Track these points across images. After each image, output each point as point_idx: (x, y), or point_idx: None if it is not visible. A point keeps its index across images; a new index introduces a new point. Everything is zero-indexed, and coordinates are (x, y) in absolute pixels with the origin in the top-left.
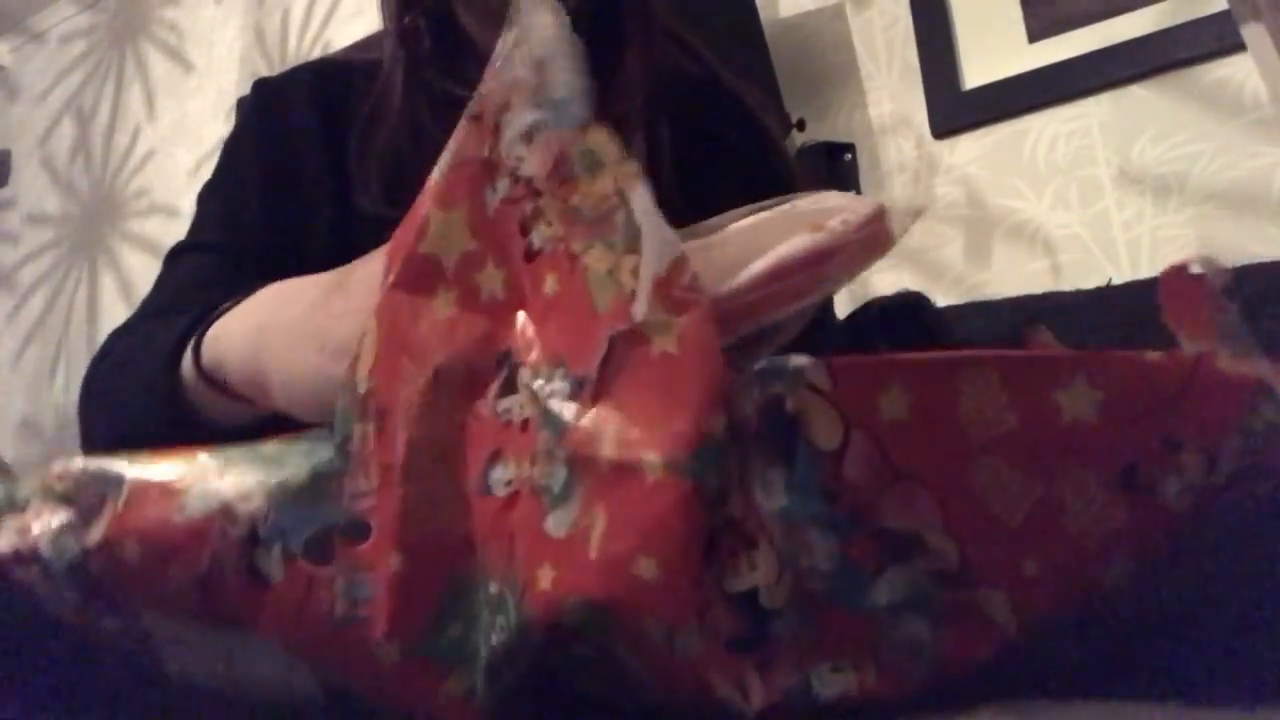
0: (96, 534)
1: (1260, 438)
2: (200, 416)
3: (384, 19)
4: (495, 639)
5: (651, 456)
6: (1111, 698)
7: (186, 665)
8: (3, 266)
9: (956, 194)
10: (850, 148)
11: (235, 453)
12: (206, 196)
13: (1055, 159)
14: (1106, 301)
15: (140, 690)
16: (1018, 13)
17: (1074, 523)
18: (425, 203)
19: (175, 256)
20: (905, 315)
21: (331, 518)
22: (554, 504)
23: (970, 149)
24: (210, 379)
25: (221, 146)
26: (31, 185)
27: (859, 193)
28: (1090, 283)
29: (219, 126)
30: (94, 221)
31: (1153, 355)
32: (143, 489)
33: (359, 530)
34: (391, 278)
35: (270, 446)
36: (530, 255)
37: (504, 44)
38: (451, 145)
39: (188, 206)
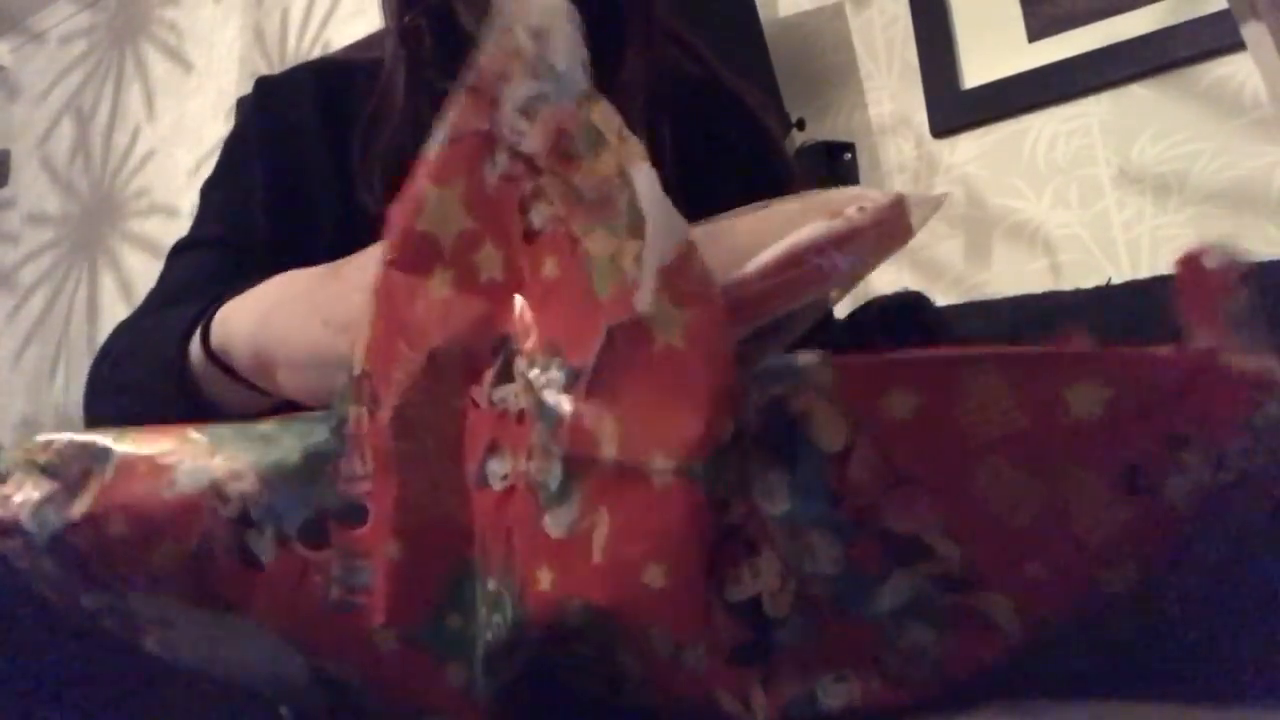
0: (81, 507)
1: (1266, 435)
2: (209, 403)
3: (385, 18)
4: (491, 635)
5: (659, 460)
6: (1111, 698)
7: (171, 645)
8: (3, 266)
9: (956, 194)
10: (850, 147)
11: (227, 431)
12: (208, 193)
13: (1055, 158)
14: (1106, 301)
15: (120, 668)
16: (1017, 12)
17: (1078, 524)
18: (422, 178)
19: (177, 253)
20: (905, 315)
21: (327, 501)
22: (551, 502)
23: (970, 148)
24: (218, 363)
25: (222, 145)
26: (31, 185)
27: None
28: (1090, 283)
29: (219, 126)
30: (94, 221)
31: (1160, 350)
32: (131, 463)
33: (355, 514)
34: (389, 256)
35: (264, 426)
36: (530, 235)
37: (500, 12)
38: (448, 117)
39: (188, 206)
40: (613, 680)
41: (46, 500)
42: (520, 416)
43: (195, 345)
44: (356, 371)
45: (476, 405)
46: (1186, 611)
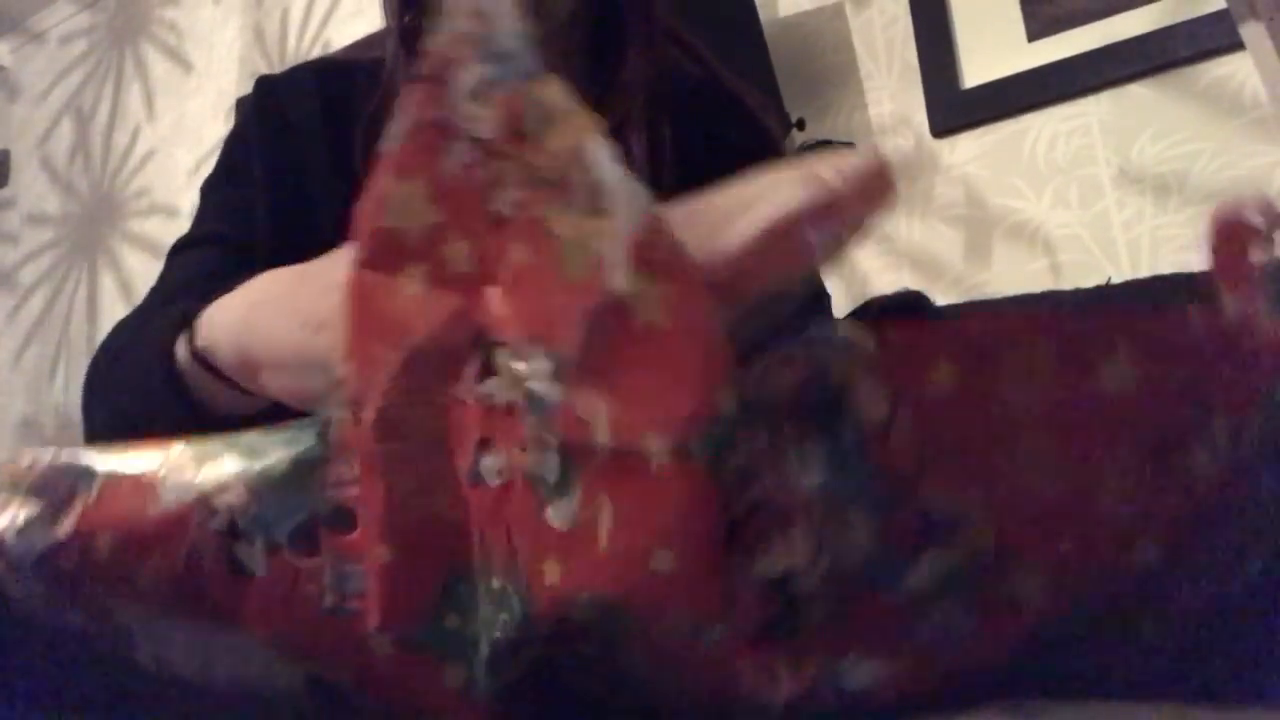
0: (66, 527)
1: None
2: (198, 404)
3: (385, 18)
4: (499, 633)
5: (654, 442)
6: (1112, 698)
7: (165, 660)
8: (3, 266)
9: (956, 193)
10: (850, 147)
11: (212, 443)
12: (208, 192)
13: (1055, 158)
14: (1106, 301)
15: (111, 685)
16: (1017, 12)
17: (1107, 499)
18: (384, 174)
19: (177, 252)
20: (905, 315)
21: (316, 507)
22: (551, 494)
23: (970, 148)
24: (205, 364)
25: (222, 145)
26: (31, 185)
27: None
28: (1090, 282)
29: (219, 126)
30: (94, 221)
31: (1193, 318)
32: (115, 481)
33: (345, 519)
34: (358, 257)
35: (249, 436)
36: (496, 223)
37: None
38: (404, 109)
39: (188, 206)
40: (613, 680)
41: (32, 521)
42: (509, 409)
43: (182, 346)
44: (337, 375)
45: (461, 402)
46: (1186, 611)
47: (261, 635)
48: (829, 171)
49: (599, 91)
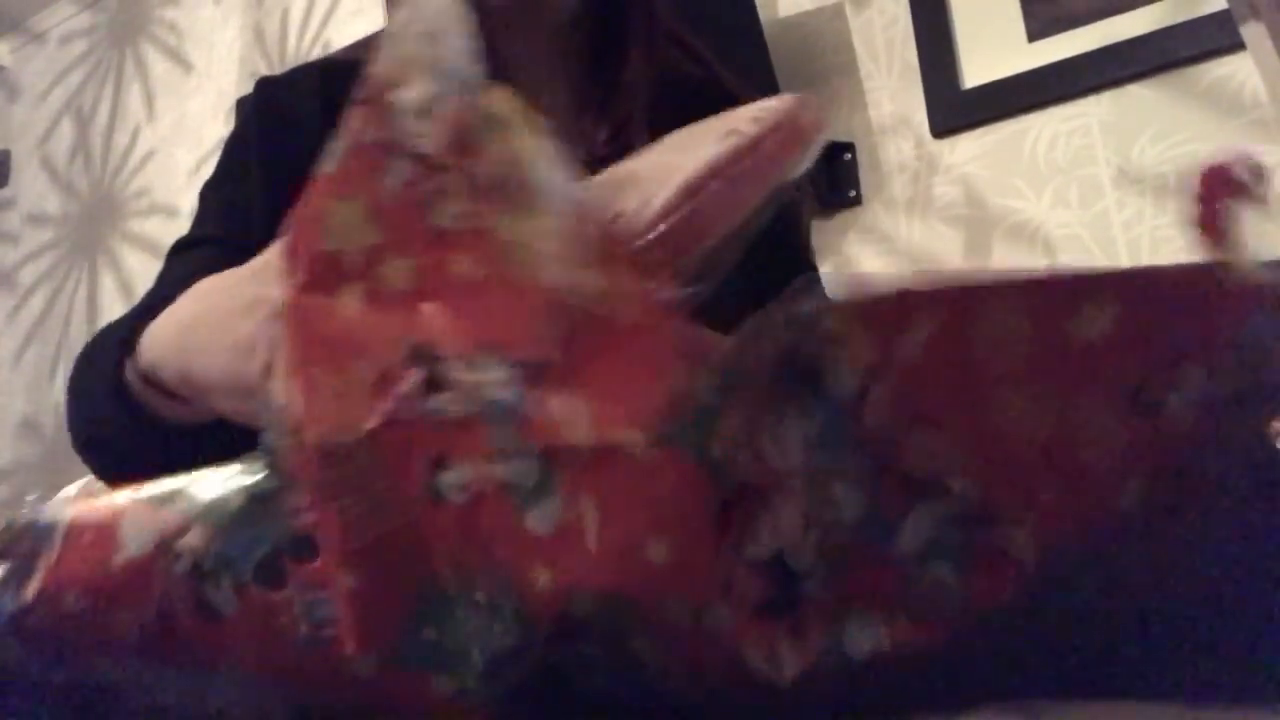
0: (33, 588)
1: (1249, 350)
2: (155, 417)
3: (386, 18)
4: (495, 642)
5: (632, 435)
6: (1112, 698)
7: (155, 708)
8: (3, 266)
9: (956, 194)
10: (850, 147)
11: (167, 487)
12: (208, 193)
13: (1055, 158)
14: None
15: None
16: (1017, 12)
17: (1086, 448)
18: (321, 195)
19: (176, 252)
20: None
21: (277, 538)
22: (529, 501)
23: (970, 148)
24: (154, 382)
25: (221, 146)
26: (31, 185)
27: (858, 193)
28: None
29: (219, 126)
30: (94, 221)
31: (1166, 267)
32: (77, 534)
33: (307, 547)
34: (297, 280)
35: (201, 474)
36: (437, 238)
37: (392, 23)
38: (343, 132)
39: (188, 206)
40: (619, 677)
41: (0, 585)
42: (465, 422)
43: (130, 366)
44: (278, 405)
45: (399, 421)
46: (1187, 610)
47: (244, 675)
48: (745, 121)
49: (601, 93)
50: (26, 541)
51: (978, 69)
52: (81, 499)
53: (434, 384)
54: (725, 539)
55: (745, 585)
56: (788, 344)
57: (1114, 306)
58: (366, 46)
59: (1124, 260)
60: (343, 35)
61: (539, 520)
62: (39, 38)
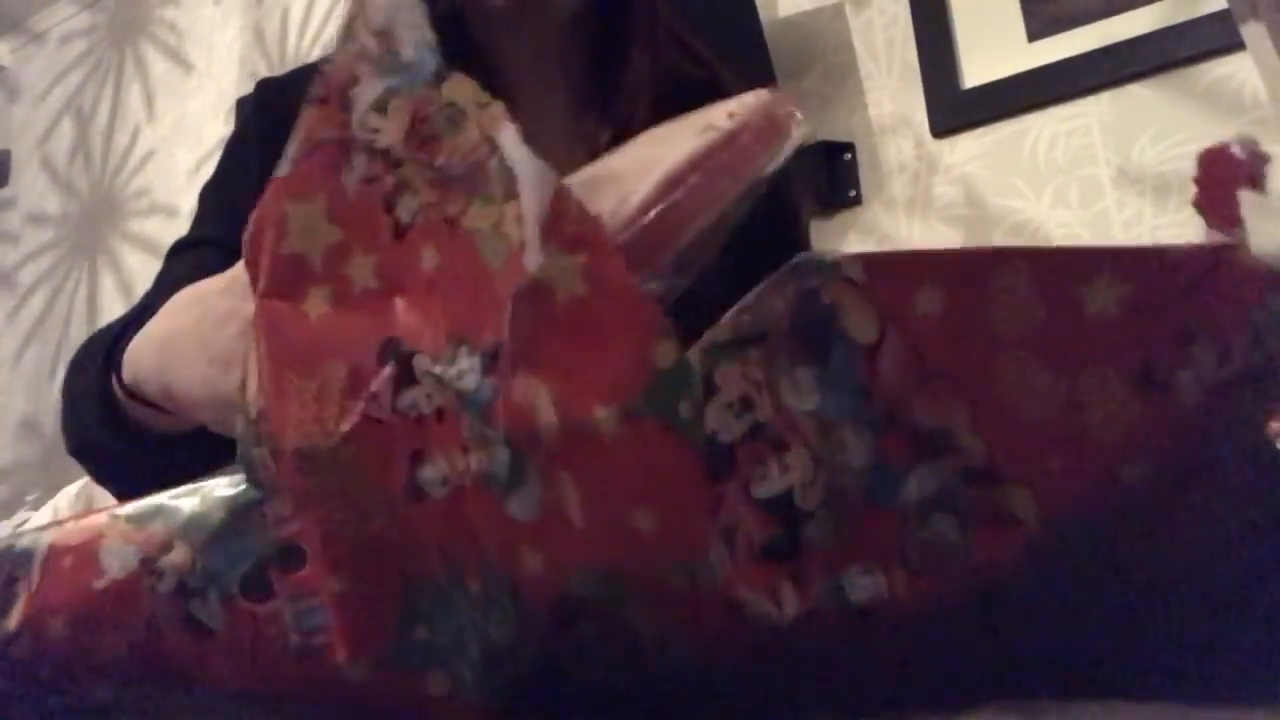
0: (15, 619)
1: (1264, 330)
2: (142, 428)
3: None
4: (492, 632)
5: (600, 411)
6: (1112, 698)
7: None
8: (3, 266)
9: (956, 194)
10: (850, 147)
11: (146, 505)
12: (208, 194)
13: (1055, 158)
14: None
15: None
16: (1017, 12)
17: (1095, 419)
18: (279, 199)
19: (175, 253)
20: None
21: (262, 550)
22: (508, 489)
23: (970, 148)
24: (138, 396)
25: (221, 146)
26: (31, 185)
27: (858, 193)
28: None
29: (219, 126)
30: (94, 221)
31: (1177, 247)
32: (57, 558)
33: (294, 557)
34: (260, 286)
35: (182, 491)
36: (400, 232)
37: (346, 20)
38: (298, 133)
39: (188, 206)
40: (628, 647)
41: None
42: (439, 416)
43: (114, 381)
44: (252, 414)
45: (374, 420)
46: (1187, 604)
47: (235, 689)
48: (721, 116)
49: (602, 94)
50: (4, 569)
51: (978, 69)
52: (59, 525)
53: (406, 380)
54: (732, 481)
55: (750, 527)
56: (805, 293)
57: (1127, 282)
58: None
59: None
60: None
61: (521, 506)
62: (39, 38)
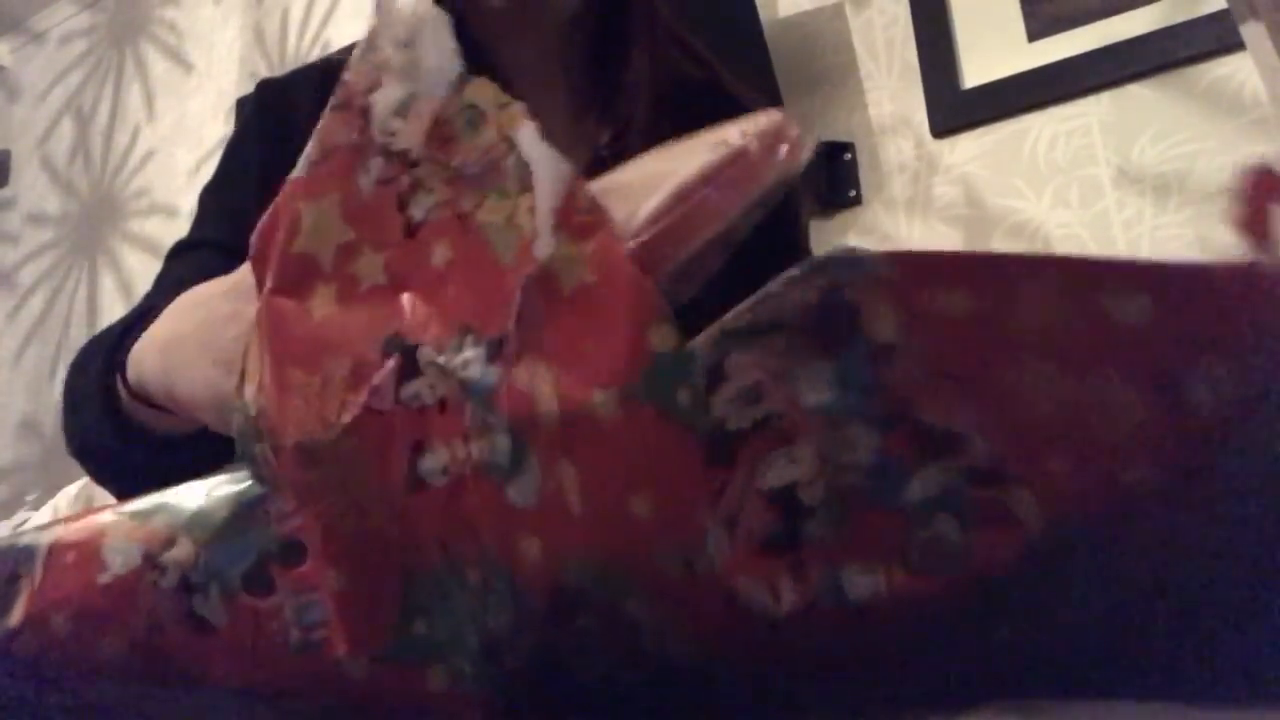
0: (17, 615)
1: None
2: (146, 429)
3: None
4: (491, 621)
5: (598, 396)
6: (1112, 698)
7: None
8: (3, 266)
9: (956, 194)
10: (850, 147)
11: (150, 502)
12: (208, 195)
13: (1055, 158)
14: None
15: None
16: (1017, 12)
17: (1100, 424)
18: (294, 199)
19: (176, 254)
20: None
21: (263, 545)
22: (508, 476)
23: (970, 148)
24: (142, 398)
25: (221, 146)
26: (32, 185)
27: (858, 193)
28: None
29: (219, 126)
30: (94, 221)
31: (1205, 263)
32: (60, 554)
33: (295, 552)
34: (269, 284)
35: (186, 488)
36: (412, 230)
37: (369, 34)
38: (316, 137)
39: (188, 206)
40: (628, 642)
41: None
42: (442, 406)
43: (119, 382)
44: (252, 411)
45: (376, 411)
46: (1186, 610)
47: (236, 686)
48: (733, 133)
49: (602, 94)
50: (4, 566)
51: (978, 69)
52: (62, 522)
53: (410, 371)
54: (739, 469)
55: (753, 517)
56: (829, 287)
57: (1153, 293)
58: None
59: None
60: (343, 35)
61: (520, 493)
62: (39, 38)
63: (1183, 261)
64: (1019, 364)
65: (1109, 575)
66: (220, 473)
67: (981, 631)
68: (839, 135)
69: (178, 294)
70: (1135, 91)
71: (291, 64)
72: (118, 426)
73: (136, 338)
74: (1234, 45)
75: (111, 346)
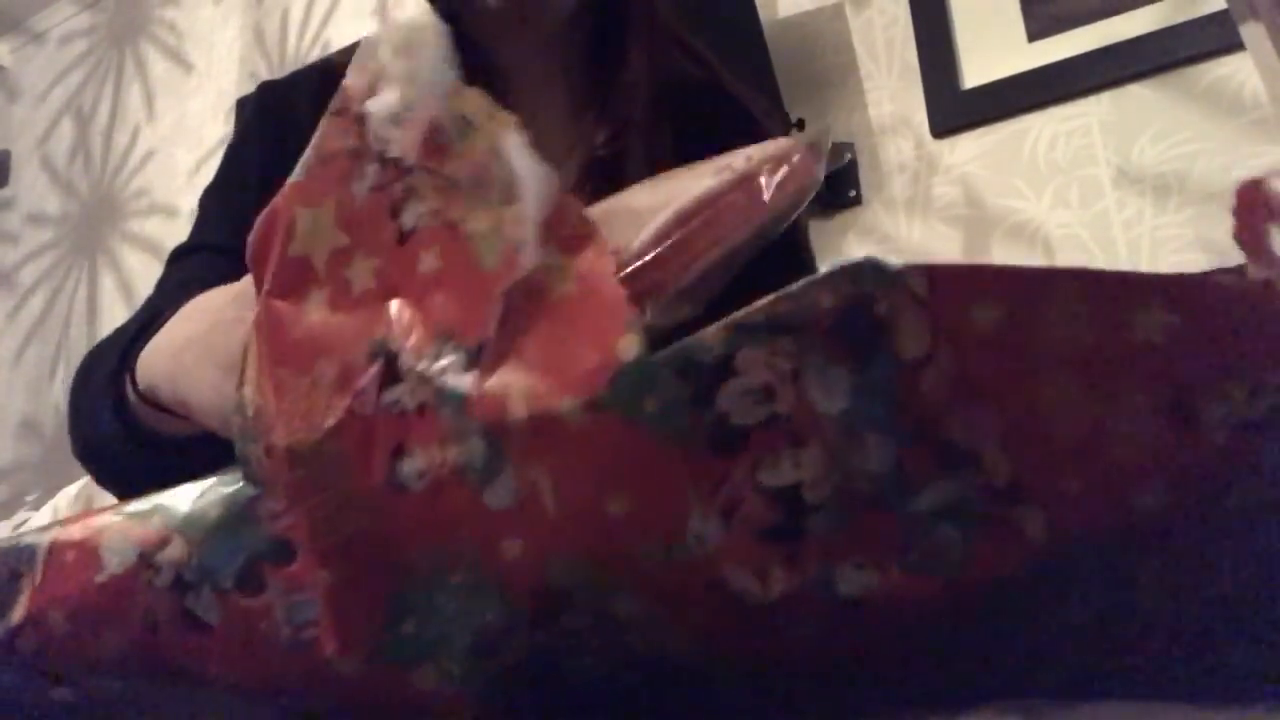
0: (18, 613)
1: None
2: (154, 433)
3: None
4: (479, 621)
5: (566, 404)
6: (1112, 698)
7: None
8: (3, 266)
9: (956, 194)
10: (850, 147)
11: (147, 503)
12: (209, 198)
13: (1055, 158)
14: None
15: None
16: (1017, 12)
17: (1119, 444)
18: (290, 203)
19: (177, 258)
20: None
21: (255, 545)
22: (484, 479)
23: (970, 148)
24: (152, 402)
25: (221, 147)
26: (31, 185)
27: (858, 192)
28: None
29: (219, 126)
30: (94, 221)
31: (1225, 279)
32: (59, 554)
33: (285, 552)
34: (265, 286)
35: (181, 489)
36: (403, 238)
37: (367, 42)
38: (314, 143)
39: (188, 206)
40: (618, 638)
41: None
42: (421, 410)
43: (129, 386)
44: (249, 411)
45: (359, 415)
46: (1186, 611)
47: (231, 683)
48: (740, 158)
49: (601, 94)
50: (6, 565)
51: (978, 69)
52: (62, 522)
53: (392, 377)
54: (741, 463)
55: (753, 510)
56: (859, 296)
57: (1174, 312)
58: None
59: (1124, 261)
60: (343, 35)
61: (497, 496)
62: (39, 38)
63: (1203, 277)
64: (1043, 380)
65: (1111, 579)
66: (216, 474)
67: (982, 631)
68: (839, 135)
69: (181, 298)
70: (1135, 91)
71: (291, 64)
72: (128, 429)
73: (145, 342)
74: (1234, 45)
75: (123, 349)
